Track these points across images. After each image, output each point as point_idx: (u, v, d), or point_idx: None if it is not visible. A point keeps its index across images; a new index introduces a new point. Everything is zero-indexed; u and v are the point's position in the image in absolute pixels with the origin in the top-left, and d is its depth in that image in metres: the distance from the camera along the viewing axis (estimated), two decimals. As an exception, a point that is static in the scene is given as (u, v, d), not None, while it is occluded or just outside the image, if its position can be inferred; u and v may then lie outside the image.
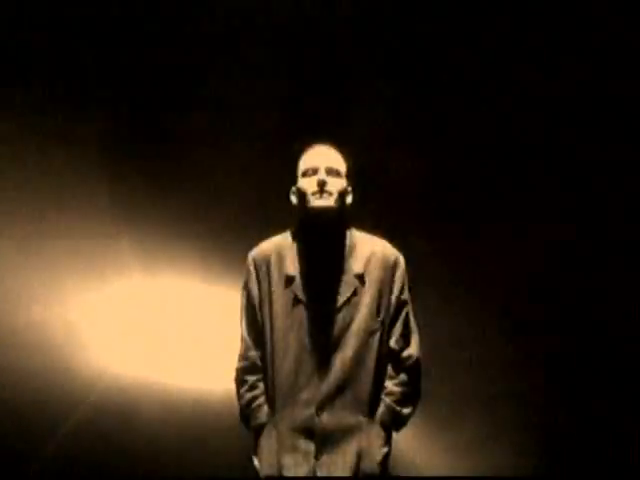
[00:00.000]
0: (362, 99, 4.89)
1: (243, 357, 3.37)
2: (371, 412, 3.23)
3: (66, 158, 4.94)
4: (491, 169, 4.94)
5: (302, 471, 3.15)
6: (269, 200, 4.54)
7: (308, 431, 3.17)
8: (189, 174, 5.03)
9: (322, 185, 3.24)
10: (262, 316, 3.31)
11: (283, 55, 4.96)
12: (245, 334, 3.37)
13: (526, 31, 4.80)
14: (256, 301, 3.33)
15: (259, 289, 3.33)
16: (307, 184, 3.29)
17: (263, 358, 3.31)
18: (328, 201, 3.24)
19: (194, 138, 5.07)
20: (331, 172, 3.29)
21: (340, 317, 3.22)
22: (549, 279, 4.90)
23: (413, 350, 3.34)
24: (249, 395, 3.30)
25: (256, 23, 4.94)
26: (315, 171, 3.29)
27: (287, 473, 3.16)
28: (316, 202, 3.24)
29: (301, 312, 3.23)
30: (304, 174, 3.32)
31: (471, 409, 4.98)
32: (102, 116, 4.96)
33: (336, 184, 3.28)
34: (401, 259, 3.37)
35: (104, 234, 5.00)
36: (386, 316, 3.29)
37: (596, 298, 4.88)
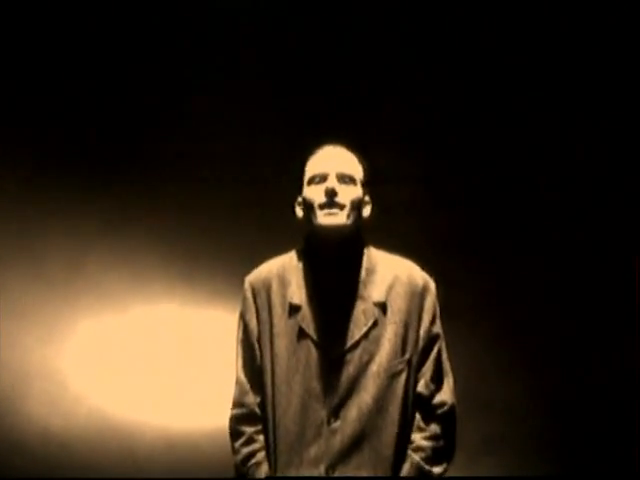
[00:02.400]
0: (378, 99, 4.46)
1: (238, 403, 2.87)
2: (394, 472, 2.73)
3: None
4: (529, 186, 4.50)
5: None
6: (271, 215, 4.07)
7: (317, 495, 2.70)
8: (179, 190, 4.68)
9: (332, 195, 2.74)
10: (261, 353, 2.82)
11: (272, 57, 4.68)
12: (241, 375, 2.87)
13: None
14: (254, 335, 2.84)
15: (258, 321, 2.84)
16: (314, 193, 2.79)
17: (263, 405, 2.82)
18: (338, 218, 2.75)
19: (188, 153, 4.78)
20: (343, 179, 2.79)
21: (356, 355, 2.72)
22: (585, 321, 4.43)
23: (446, 396, 2.82)
24: (246, 450, 2.81)
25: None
26: (324, 178, 2.79)
27: None
28: (324, 219, 2.75)
29: (308, 349, 2.74)
30: (311, 181, 2.82)
31: (491, 454, 4.63)
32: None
33: (349, 193, 2.78)
34: (431, 284, 2.86)
35: (87, 263, 4.65)
36: (413, 354, 2.78)
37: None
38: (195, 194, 4.63)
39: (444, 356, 2.85)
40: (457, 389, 2.85)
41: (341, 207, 2.74)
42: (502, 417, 4.62)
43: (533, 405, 4.63)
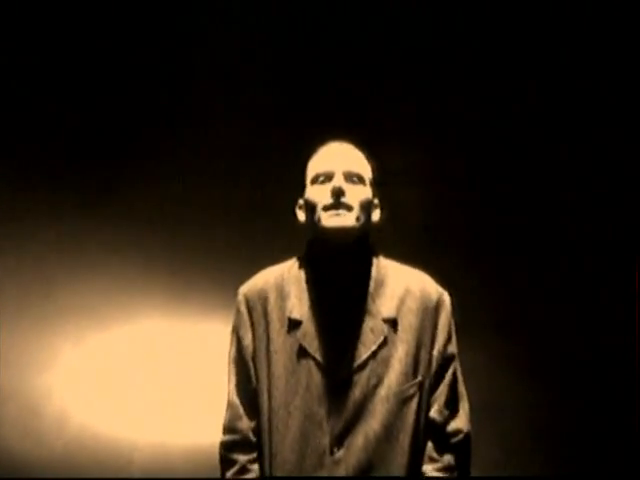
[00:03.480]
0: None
1: (231, 429, 2.58)
2: (404, 506, 2.46)
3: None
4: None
5: None
6: (268, 220, 3.80)
7: (318, 532, 2.42)
8: (164, 196, 4.36)
9: (338, 195, 2.46)
10: (257, 374, 2.54)
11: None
12: (233, 397, 2.59)
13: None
14: (249, 353, 2.56)
15: (253, 337, 2.55)
16: (318, 194, 2.51)
17: (258, 431, 2.54)
18: (346, 219, 2.46)
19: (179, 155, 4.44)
20: (351, 178, 2.52)
21: (363, 377, 2.44)
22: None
23: (462, 423, 2.55)
24: (238, 481, 2.54)
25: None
26: (329, 177, 2.51)
27: None
28: (330, 221, 2.46)
29: (309, 369, 2.46)
30: (314, 181, 2.54)
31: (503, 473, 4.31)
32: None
33: (358, 194, 2.51)
34: (447, 299, 2.59)
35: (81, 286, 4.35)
36: (426, 376, 2.51)
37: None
38: (183, 195, 4.34)
39: (459, 378, 2.58)
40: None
41: (349, 208, 2.46)
42: (513, 437, 4.38)
43: (546, 423, 4.41)
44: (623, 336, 4.36)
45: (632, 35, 4.35)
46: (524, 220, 4.37)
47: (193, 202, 4.28)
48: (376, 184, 2.59)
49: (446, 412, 2.51)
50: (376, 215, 2.59)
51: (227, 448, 2.56)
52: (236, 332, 2.59)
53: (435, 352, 2.52)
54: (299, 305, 2.50)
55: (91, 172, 4.37)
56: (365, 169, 2.56)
